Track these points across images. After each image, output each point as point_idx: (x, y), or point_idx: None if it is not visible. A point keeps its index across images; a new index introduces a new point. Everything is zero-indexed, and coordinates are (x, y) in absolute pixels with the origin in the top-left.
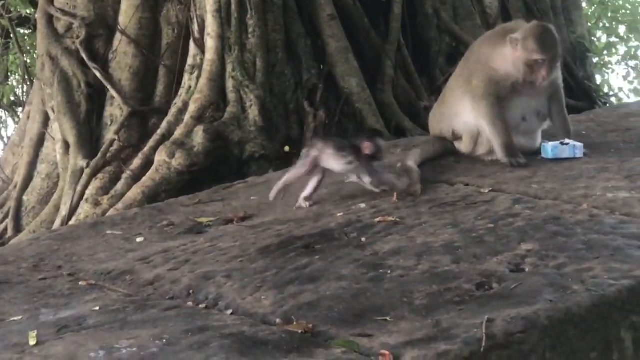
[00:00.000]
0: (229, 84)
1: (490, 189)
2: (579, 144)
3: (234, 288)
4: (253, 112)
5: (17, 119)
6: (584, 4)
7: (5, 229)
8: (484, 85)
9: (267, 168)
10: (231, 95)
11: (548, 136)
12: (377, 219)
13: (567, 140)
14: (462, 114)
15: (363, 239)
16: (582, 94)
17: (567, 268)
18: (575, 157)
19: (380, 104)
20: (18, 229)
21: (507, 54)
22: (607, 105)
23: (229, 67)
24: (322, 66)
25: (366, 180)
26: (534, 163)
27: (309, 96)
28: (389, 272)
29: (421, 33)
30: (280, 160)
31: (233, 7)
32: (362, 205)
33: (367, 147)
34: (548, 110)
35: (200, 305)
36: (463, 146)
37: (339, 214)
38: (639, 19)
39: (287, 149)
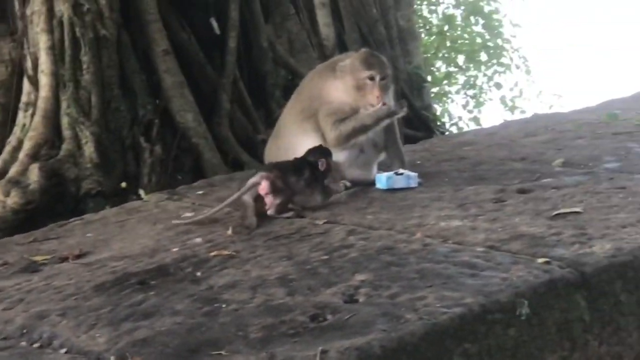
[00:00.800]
0: (64, 121)
1: (325, 220)
2: (413, 174)
3: (69, 326)
4: (89, 149)
5: None
6: (422, 34)
7: None
8: (327, 119)
9: (104, 205)
10: (66, 133)
11: (383, 166)
12: (213, 253)
13: (401, 170)
14: (299, 147)
15: (198, 274)
16: (419, 123)
17: (400, 297)
18: (410, 187)
19: (217, 138)
20: None
21: (338, 84)
22: (445, 134)
23: (63, 104)
24: (157, 101)
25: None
26: (368, 194)
27: (145, 132)
28: (224, 306)
29: (257, 66)
30: (117, 197)
31: (66, 44)
32: (198, 240)
33: (322, 165)
34: (383, 141)
35: (34, 345)
36: None
37: (174, 249)
38: (477, 49)
39: (123, 185)
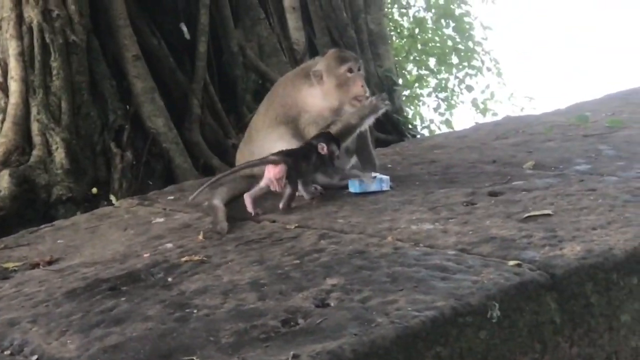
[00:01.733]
0: (34, 127)
1: (296, 224)
2: (386, 177)
3: (40, 333)
4: (59, 155)
5: None
6: (393, 38)
7: None
8: (310, 128)
9: (74, 211)
10: (37, 139)
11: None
12: (184, 259)
13: (373, 174)
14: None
15: (169, 279)
16: (391, 127)
17: (371, 301)
18: (382, 190)
19: (187, 143)
20: None
21: (314, 91)
22: (416, 137)
23: (33, 110)
24: (128, 107)
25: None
26: (340, 198)
27: (115, 137)
28: (195, 311)
29: (227, 71)
30: (89, 203)
31: (36, 50)
32: (169, 245)
33: (321, 148)
34: (355, 146)
35: (5, 352)
36: None
37: (145, 255)
38: (448, 52)
39: (94, 190)
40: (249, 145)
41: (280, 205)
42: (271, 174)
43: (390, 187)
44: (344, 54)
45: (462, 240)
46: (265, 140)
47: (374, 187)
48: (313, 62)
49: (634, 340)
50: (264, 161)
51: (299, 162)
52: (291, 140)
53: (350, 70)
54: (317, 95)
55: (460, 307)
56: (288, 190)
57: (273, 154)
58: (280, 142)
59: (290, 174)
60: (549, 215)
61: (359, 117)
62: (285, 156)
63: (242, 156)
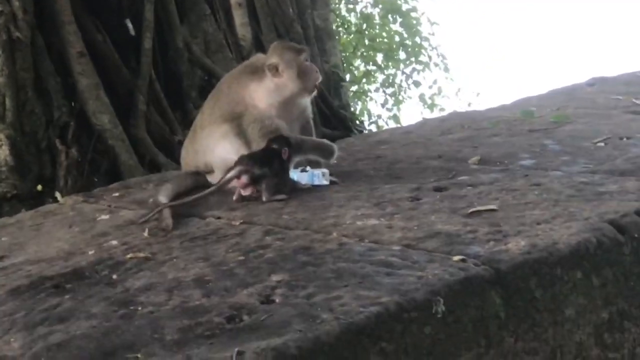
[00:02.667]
0: None
1: (242, 221)
2: (320, 171)
3: None
4: (4, 152)
5: None
6: (341, 33)
7: None
8: (254, 126)
9: (19, 208)
10: None
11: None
12: (129, 256)
13: (307, 168)
14: (218, 149)
15: (114, 276)
16: (337, 122)
17: (316, 297)
18: (321, 185)
19: (133, 139)
20: None
21: (263, 85)
22: (363, 132)
23: None
24: (73, 104)
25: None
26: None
27: (60, 134)
28: (139, 308)
29: (173, 67)
30: (33, 200)
31: None
32: (114, 242)
33: (284, 153)
34: None
35: None
36: (216, 179)
37: (90, 252)
38: (395, 48)
39: (39, 188)
40: (193, 143)
41: (264, 199)
42: (238, 185)
43: (333, 182)
44: (294, 45)
45: (407, 236)
46: (210, 138)
47: (305, 179)
48: (257, 58)
49: (578, 335)
50: (225, 180)
51: (258, 164)
52: (234, 138)
53: (306, 59)
54: (266, 90)
55: (405, 302)
56: (263, 186)
57: (231, 167)
58: (224, 140)
59: (254, 176)
60: (493, 210)
61: (315, 146)
62: (244, 165)
63: (187, 154)
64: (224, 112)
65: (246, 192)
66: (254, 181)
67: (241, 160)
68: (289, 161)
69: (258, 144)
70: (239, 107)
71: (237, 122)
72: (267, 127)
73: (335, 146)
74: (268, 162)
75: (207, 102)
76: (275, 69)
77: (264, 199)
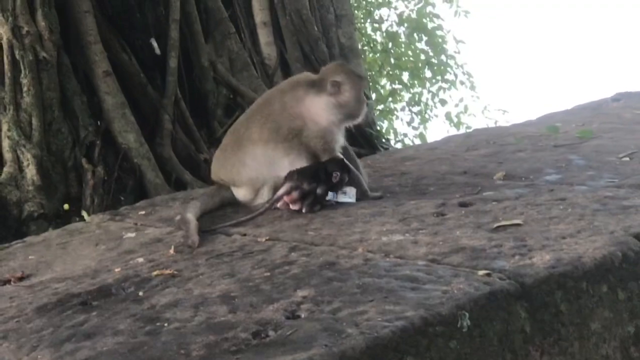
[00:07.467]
0: (5, 143)
1: (267, 237)
2: (347, 188)
3: (10, 349)
4: (30, 172)
5: None
6: (366, 52)
7: None
8: (316, 142)
9: (46, 227)
10: (8, 155)
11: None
12: (155, 273)
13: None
14: (277, 166)
15: (140, 293)
16: (363, 140)
17: (341, 312)
18: (348, 202)
19: (159, 158)
20: None
21: (322, 101)
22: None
23: (4, 127)
24: (99, 123)
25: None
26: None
27: (86, 153)
28: (165, 324)
29: (198, 86)
30: (60, 219)
31: (6, 67)
32: (140, 260)
33: (335, 177)
34: None
35: None
36: (248, 196)
37: (116, 269)
38: (421, 66)
39: (66, 207)
40: (238, 154)
41: (304, 211)
42: (287, 200)
43: (358, 199)
44: (358, 70)
45: (432, 251)
46: (271, 156)
47: (329, 196)
48: (307, 76)
49: (604, 349)
50: (277, 197)
51: (309, 183)
52: (297, 155)
53: (365, 88)
54: (325, 106)
55: (430, 317)
56: (308, 200)
57: (283, 183)
58: (286, 157)
59: (304, 192)
60: (518, 224)
61: (357, 182)
62: (295, 181)
63: (230, 164)
64: (280, 127)
65: (295, 207)
66: (303, 197)
67: (291, 176)
68: (337, 185)
69: (321, 159)
70: (296, 122)
71: (297, 139)
72: (328, 144)
73: (370, 195)
74: (317, 179)
75: (251, 116)
76: (338, 87)
77: (304, 211)
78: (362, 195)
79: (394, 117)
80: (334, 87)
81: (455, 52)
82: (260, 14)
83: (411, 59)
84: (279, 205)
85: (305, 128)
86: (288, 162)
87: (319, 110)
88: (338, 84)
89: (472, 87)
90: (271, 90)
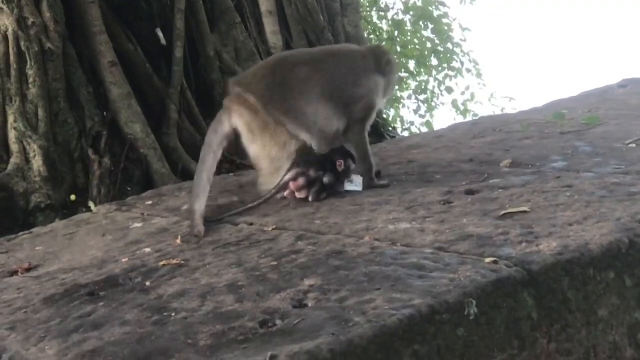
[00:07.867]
0: (11, 134)
1: (274, 226)
2: (353, 176)
3: (18, 339)
4: (37, 162)
5: None
6: (372, 40)
7: None
8: (359, 113)
9: (53, 218)
10: (14, 146)
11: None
12: (162, 263)
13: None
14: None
15: (147, 283)
16: (370, 128)
17: (348, 301)
18: (354, 190)
19: (165, 148)
20: None
21: (378, 78)
22: (394, 138)
23: (10, 118)
24: (105, 113)
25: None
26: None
27: (93, 144)
28: (173, 314)
29: (204, 75)
30: (67, 210)
31: (12, 58)
32: (147, 250)
33: (340, 165)
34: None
35: None
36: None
37: (123, 260)
38: (427, 54)
39: (72, 197)
40: (281, 102)
41: (310, 199)
42: (293, 187)
43: (381, 184)
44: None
45: (439, 239)
46: (316, 111)
47: (346, 186)
48: (358, 47)
49: (611, 335)
50: (283, 183)
51: (315, 170)
52: (339, 121)
53: None
54: (379, 83)
55: (437, 304)
56: (314, 189)
57: (289, 170)
58: (331, 120)
59: (310, 179)
60: (525, 212)
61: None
62: (302, 167)
63: (286, 101)
64: (334, 90)
65: (300, 195)
66: (309, 184)
67: (298, 163)
68: (342, 173)
69: (352, 133)
70: (355, 91)
71: (345, 107)
72: (369, 118)
73: (376, 182)
74: (323, 167)
75: (314, 66)
76: (391, 67)
77: (310, 199)
78: (368, 182)
79: (400, 105)
80: (389, 66)
81: (461, 39)
82: (265, 3)
83: (417, 46)
84: (285, 193)
85: (359, 100)
86: (334, 123)
87: (374, 85)
88: (391, 64)
89: (479, 75)
90: (332, 50)
